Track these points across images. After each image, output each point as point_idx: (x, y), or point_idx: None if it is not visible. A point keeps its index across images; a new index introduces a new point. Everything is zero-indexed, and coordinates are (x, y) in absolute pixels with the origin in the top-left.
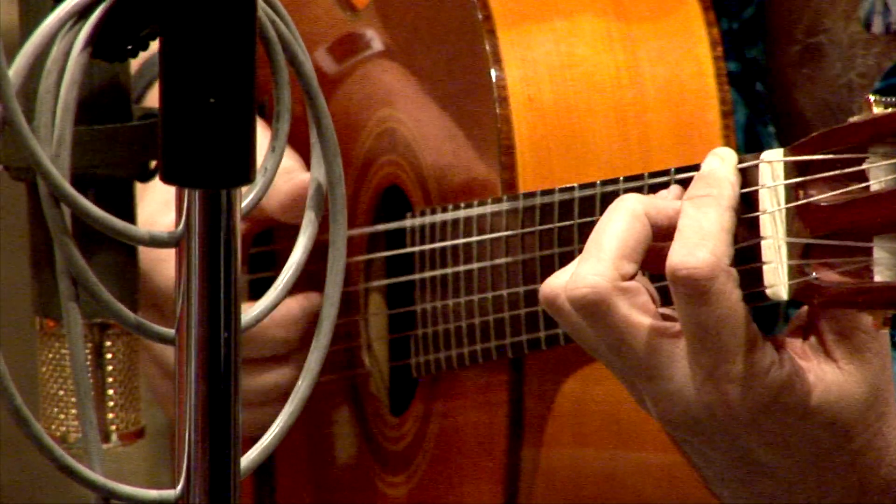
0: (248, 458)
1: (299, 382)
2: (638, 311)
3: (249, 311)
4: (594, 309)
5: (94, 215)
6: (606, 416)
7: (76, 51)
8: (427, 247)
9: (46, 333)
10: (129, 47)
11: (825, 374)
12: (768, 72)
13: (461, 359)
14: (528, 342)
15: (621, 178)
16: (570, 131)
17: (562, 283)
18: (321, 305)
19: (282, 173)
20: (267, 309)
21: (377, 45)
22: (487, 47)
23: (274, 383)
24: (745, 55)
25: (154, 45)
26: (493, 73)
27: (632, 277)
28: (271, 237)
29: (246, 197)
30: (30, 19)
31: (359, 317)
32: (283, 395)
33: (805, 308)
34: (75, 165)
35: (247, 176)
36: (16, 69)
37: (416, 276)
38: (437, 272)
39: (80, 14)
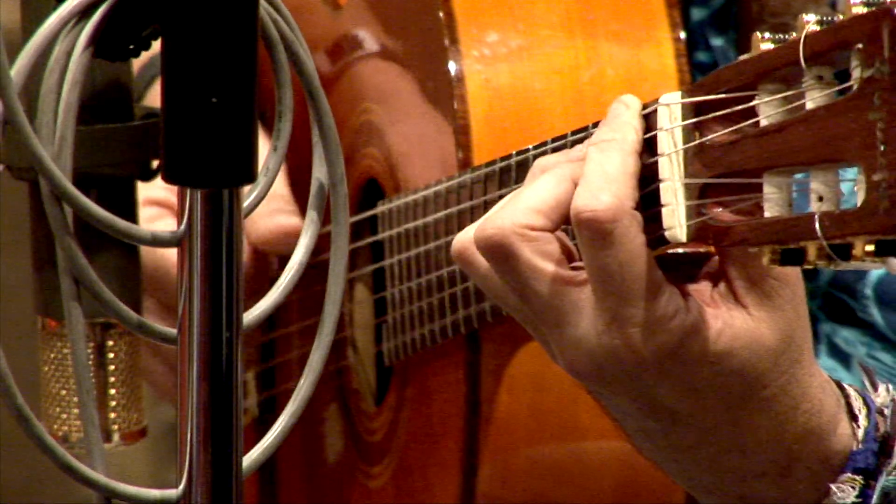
0: (250, 458)
1: (301, 381)
2: (542, 258)
3: (251, 311)
4: (498, 251)
5: (96, 215)
6: (564, 393)
7: (78, 50)
8: (390, 233)
9: (48, 333)
10: (131, 47)
11: (734, 320)
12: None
13: (423, 340)
14: (477, 315)
15: (549, 140)
16: (527, 112)
17: (470, 236)
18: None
19: (267, 210)
20: (269, 308)
21: (357, 40)
22: (446, 31)
23: None
24: (712, 44)
25: (155, 45)
26: (450, 55)
27: (544, 231)
28: None
29: (248, 197)
30: (32, 19)
31: (342, 308)
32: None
33: (715, 256)
34: (77, 165)
35: (249, 175)
36: (18, 69)
37: (386, 263)
38: (402, 256)
39: (82, 14)
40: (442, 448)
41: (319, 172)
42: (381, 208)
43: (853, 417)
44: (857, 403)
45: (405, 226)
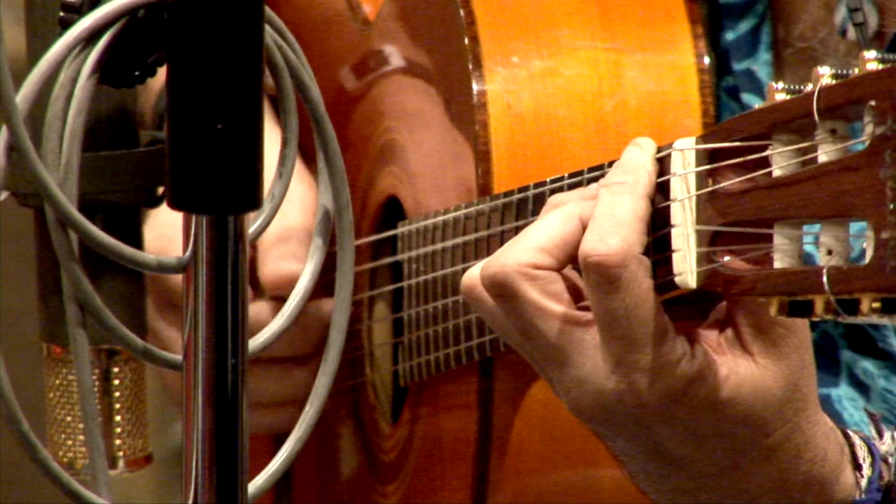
0: (255, 485)
1: (307, 408)
2: (548, 297)
3: (256, 338)
4: (502, 289)
5: (101, 241)
6: (576, 420)
7: (83, 77)
8: (409, 254)
9: (54, 359)
10: (136, 73)
11: (739, 367)
12: (763, 81)
13: (437, 364)
14: (490, 343)
15: (566, 175)
16: (548, 139)
17: (477, 273)
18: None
19: (278, 253)
20: (274, 335)
21: (383, 57)
22: (469, 54)
23: (291, 386)
24: (734, 68)
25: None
26: (473, 79)
27: (549, 271)
28: None
29: (253, 223)
30: (37, 46)
31: (361, 325)
32: (297, 400)
33: (723, 302)
34: (83, 191)
35: (255, 202)
36: (23, 95)
37: (404, 284)
38: (419, 279)
39: (88, 40)
40: (453, 471)
41: (325, 199)
42: (400, 230)
43: (857, 467)
44: (862, 452)
45: (423, 249)
